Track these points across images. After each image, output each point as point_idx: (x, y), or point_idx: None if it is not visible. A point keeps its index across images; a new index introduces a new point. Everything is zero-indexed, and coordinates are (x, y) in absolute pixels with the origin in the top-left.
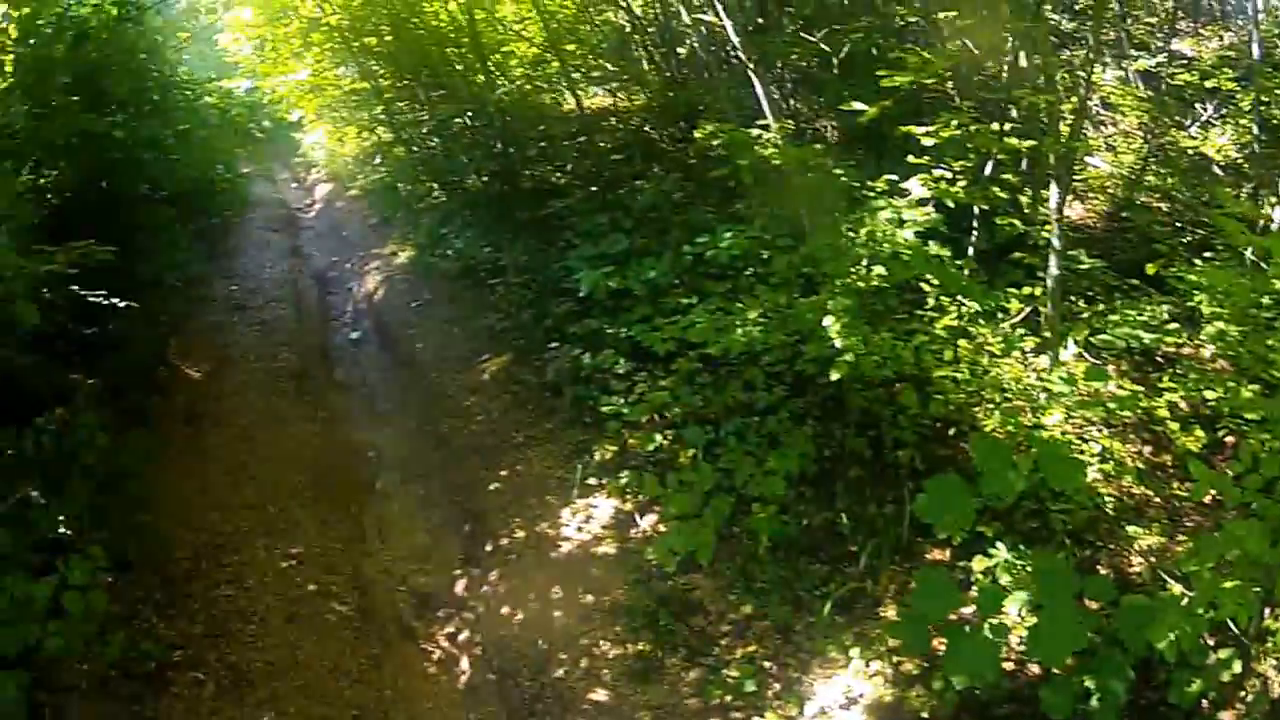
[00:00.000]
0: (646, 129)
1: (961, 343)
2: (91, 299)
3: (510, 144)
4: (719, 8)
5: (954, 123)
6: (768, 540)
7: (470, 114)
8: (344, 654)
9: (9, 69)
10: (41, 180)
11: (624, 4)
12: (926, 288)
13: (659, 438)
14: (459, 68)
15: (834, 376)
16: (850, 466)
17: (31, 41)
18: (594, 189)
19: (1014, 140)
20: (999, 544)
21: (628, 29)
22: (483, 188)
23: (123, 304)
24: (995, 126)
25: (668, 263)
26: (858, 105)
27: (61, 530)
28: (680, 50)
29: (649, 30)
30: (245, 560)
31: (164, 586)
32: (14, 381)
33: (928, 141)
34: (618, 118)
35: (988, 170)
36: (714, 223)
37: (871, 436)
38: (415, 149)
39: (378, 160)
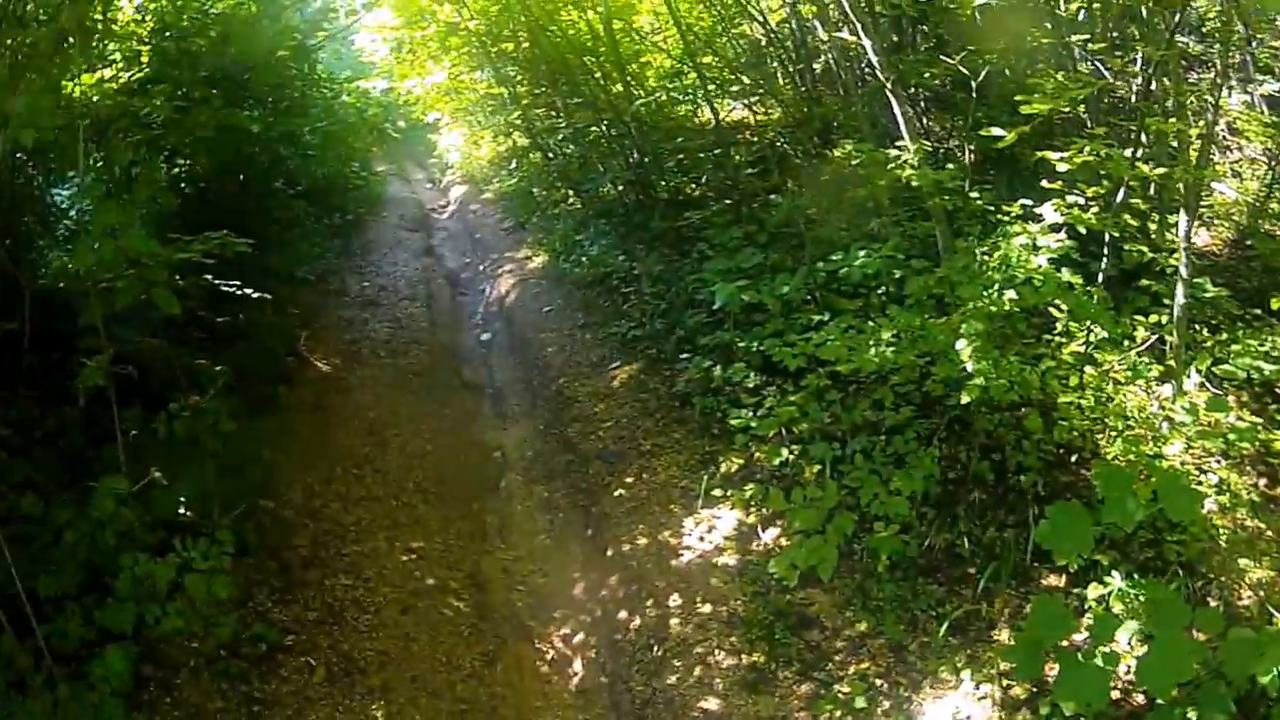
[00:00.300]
0: (781, 144)
1: (1087, 369)
2: (225, 288)
3: (646, 154)
4: (858, 26)
5: (1088, 148)
6: (887, 559)
7: (607, 123)
8: (458, 649)
9: (145, 59)
10: (177, 170)
11: (760, 18)
12: (1055, 313)
13: (785, 452)
14: (596, 76)
15: (965, 400)
16: (973, 489)
17: (168, 34)
18: (729, 202)
19: (1145, 167)
20: (1114, 572)
21: (764, 43)
22: (618, 196)
23: (255, 295)
24: (1128, 153)
25: (801, 278)
26: (996, 130)
27: (182, 512)
28: (815, 66)
29: (785, 45)
30: (365, 551)
31: (281, 573)
32: (144, 366)
33: (1062, 167)
34: (753, 131)
35: (1119, 196)
36: (847, 240)
37: (995, 460)
38: (551, 155)
39: (513, 165)
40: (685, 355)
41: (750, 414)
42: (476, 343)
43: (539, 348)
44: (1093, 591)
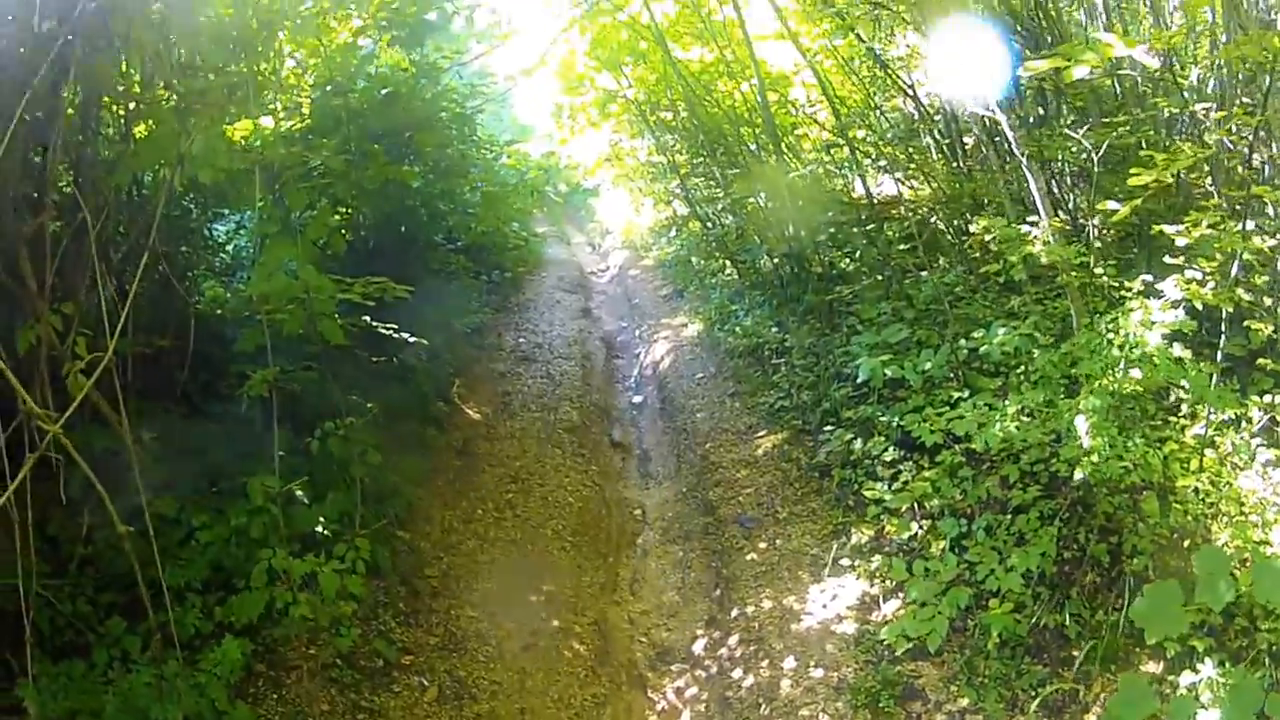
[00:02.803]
0: (933, 219)
1: (1208, 453)
2: (382, 330)
3: (801, 227)
4: (992, 102)
5: (1204, 222)
6: (998, 636)
7: (764, 194)
8: (572, 688)
9: (307, 110)
10: (341, 217)
11: (910, 92)
12: (1181, 394)
13: (914, 526)
14: (752, 148)
15: (1077, 475)
16: (1089, 572)
17: (328, 88)
18: (880, 277)
19: (1258, 241)
20: (1207, 660)
21: (915, 118)
22: (774, 269)
23: (411, 339)
24: (1250, 226)
25: (944, 356)
26: (1111, 204)
27: (320, 529)
28: (967, 141)
29: (935, 119)
30: (494, 588)
31: (409, 598)
32: (295, 395)
33: (1181, 241)
34: (905, 207)
35: (1234, 271)
36: (990, 318)
37: (1112, 543)
38: (710, 225)
39: (673, 233)
40: (829, 427)
41: (885, 487)
42: (628, 404)
43: (689, 413)
44: (1185, 678)
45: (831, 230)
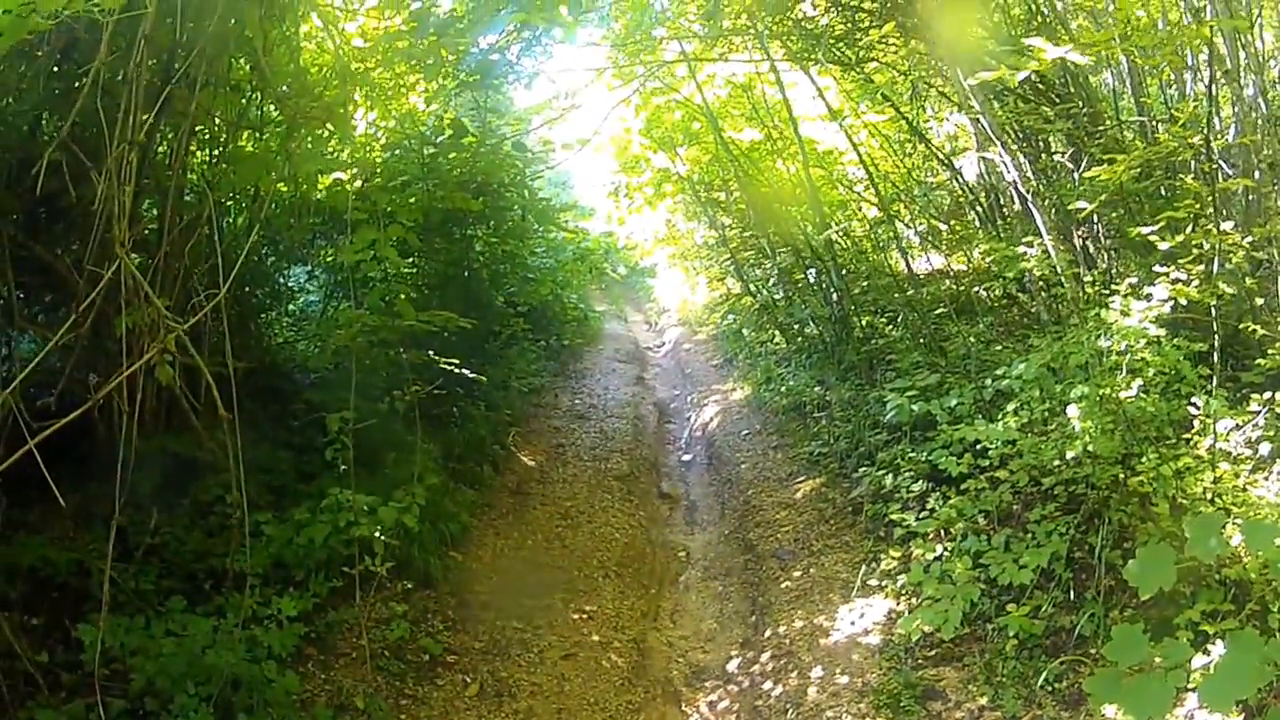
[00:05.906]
0: (975, 289)
1: (1223, 466)
2: (445, 365)
3: (844, 297)
4: (997, 145)
5: (1186, 227)
6: (1015, 638)
7: (812, 269)
8: (608, 695)
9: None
10: (409, 266)
11: (952, 168)
12: (1194, 410)
13: (939, 548)
14: (801, 223)
15: (1069, 454)
16: (1103, 577)
17: (397, 151)
18: (920, 341)
19: (1235, 234)
20: (1218, 641)
21: (959, 192)
22: (819, 334)
23: (471, 374)
24: (1226, 225)
25: (970, 394)
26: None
27: (377, 535)
28: (1007, 213)
29: (977, 194)
30: (539, 605)
31: (458, 607)
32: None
33: (1163, 245)
34: (946, 276)
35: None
36: (1012, 356)
37: (1126, 549)
38: (759, 297)
39: (725, 309)
40: (863, 468)
41: (913, 516)
42: (678, 462)
43: (734, 465)
44: (1197, 661)
45: (873, 295)
